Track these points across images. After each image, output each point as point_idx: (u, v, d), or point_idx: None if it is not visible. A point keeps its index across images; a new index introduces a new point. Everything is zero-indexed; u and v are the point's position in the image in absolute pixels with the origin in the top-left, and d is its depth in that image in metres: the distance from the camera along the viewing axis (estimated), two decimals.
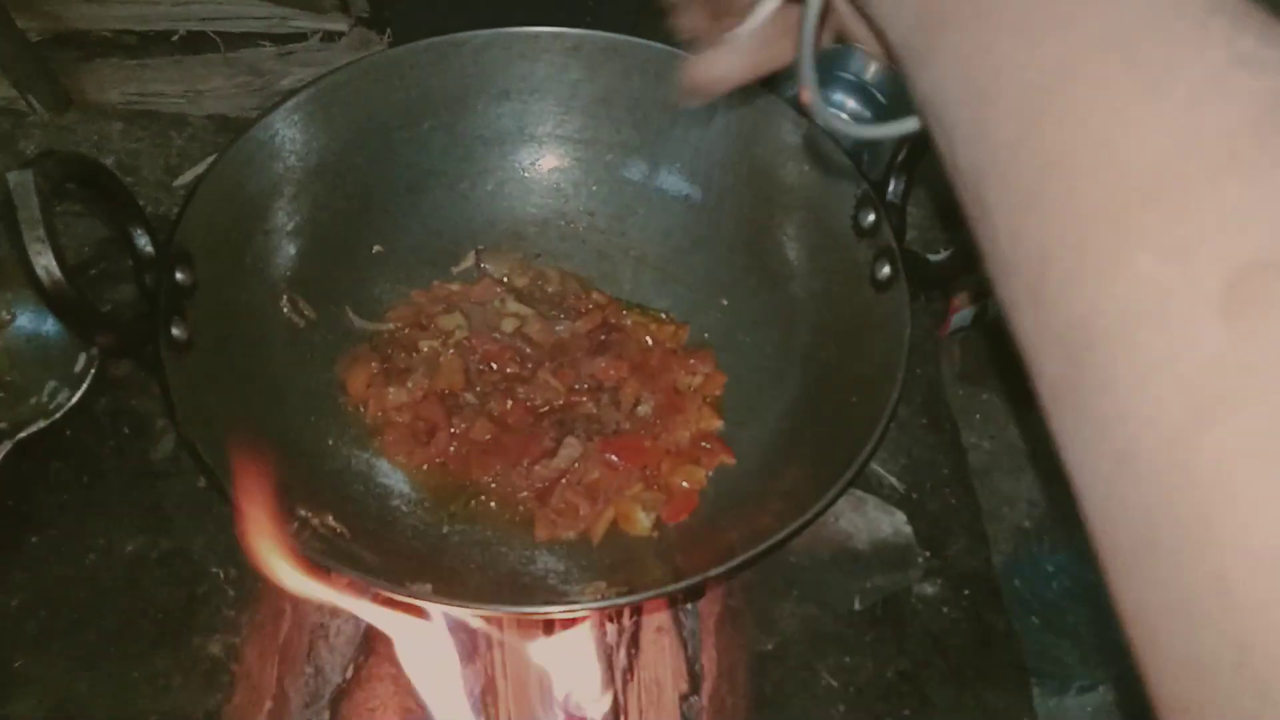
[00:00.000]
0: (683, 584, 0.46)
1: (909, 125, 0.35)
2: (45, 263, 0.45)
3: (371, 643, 0.63)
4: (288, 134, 0.62)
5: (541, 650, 0.61)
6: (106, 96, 0.96)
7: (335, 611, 0.67)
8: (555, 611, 0.49)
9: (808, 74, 0.35)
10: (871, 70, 0.96)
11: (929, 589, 0.55)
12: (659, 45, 0.66)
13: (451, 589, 0.49)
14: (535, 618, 0.57)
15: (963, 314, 0.94)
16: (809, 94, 0.36)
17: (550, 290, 0.69)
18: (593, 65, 0.68)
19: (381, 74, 0.65)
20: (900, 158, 0.61)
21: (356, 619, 0.66)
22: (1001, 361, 0.95)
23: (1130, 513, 0.21)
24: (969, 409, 0.91)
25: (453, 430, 0.61)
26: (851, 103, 0.98)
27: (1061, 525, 0.66)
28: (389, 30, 0.96)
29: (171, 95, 0.98)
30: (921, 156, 0.62)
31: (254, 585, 0.53)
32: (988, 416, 0.91)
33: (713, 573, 0.46)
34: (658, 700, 0.64)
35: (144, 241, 0.53)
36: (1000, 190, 0.25)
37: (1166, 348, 0.20)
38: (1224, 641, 0.19)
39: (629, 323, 0.68)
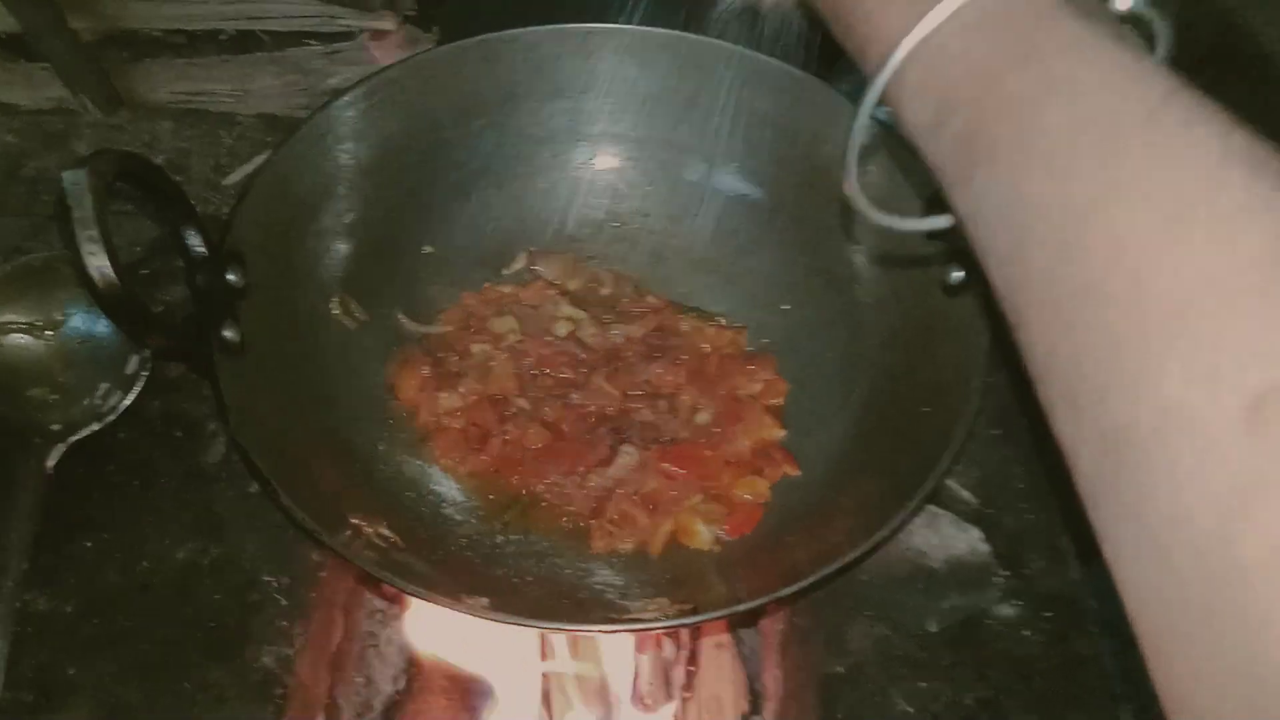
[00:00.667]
0: (749, 605, 0.44)
1: (943, 221, 0.36)
2: (99, 263, 0.44)
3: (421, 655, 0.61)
4: (338, 132, 0.61)
5: (601, 662, 0.59)
6: (156, 96, 0.96)
7: (384, 621, 0.65)
8: (618, 629, 0.47)
9: (851, 168, 0.39)
10: None
11: (1008, 610, 0.52)
12: (713, 41, 0.64)
13: (509, 603, 0.47)
14: (597, 634, 0.55)
15: None
16: (851, 187, 0.40)
17: (604, 293, 0.68)
18: (646, 62, 0.66)
19: (432, 71, 0.64)
20: None
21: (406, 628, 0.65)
22: None
23: (1166, 603, 0.24)
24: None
25: (505, 436, 0.60)
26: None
27: None
28: (436, 28, 0.95)
29: (220, 94, 0.97)
30: None
31: (307, 594, 0.52)
32: None
33: (782, 593, 0.44)
34: (717, 718, 0.62)
35: (196, 241, 0.52)
36: (1035, 309, 0.27)
37: (1195, 460, 0.22)
38: (1254, 715, 0.22)
39: (685, 327, 0.66)
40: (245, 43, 0.97)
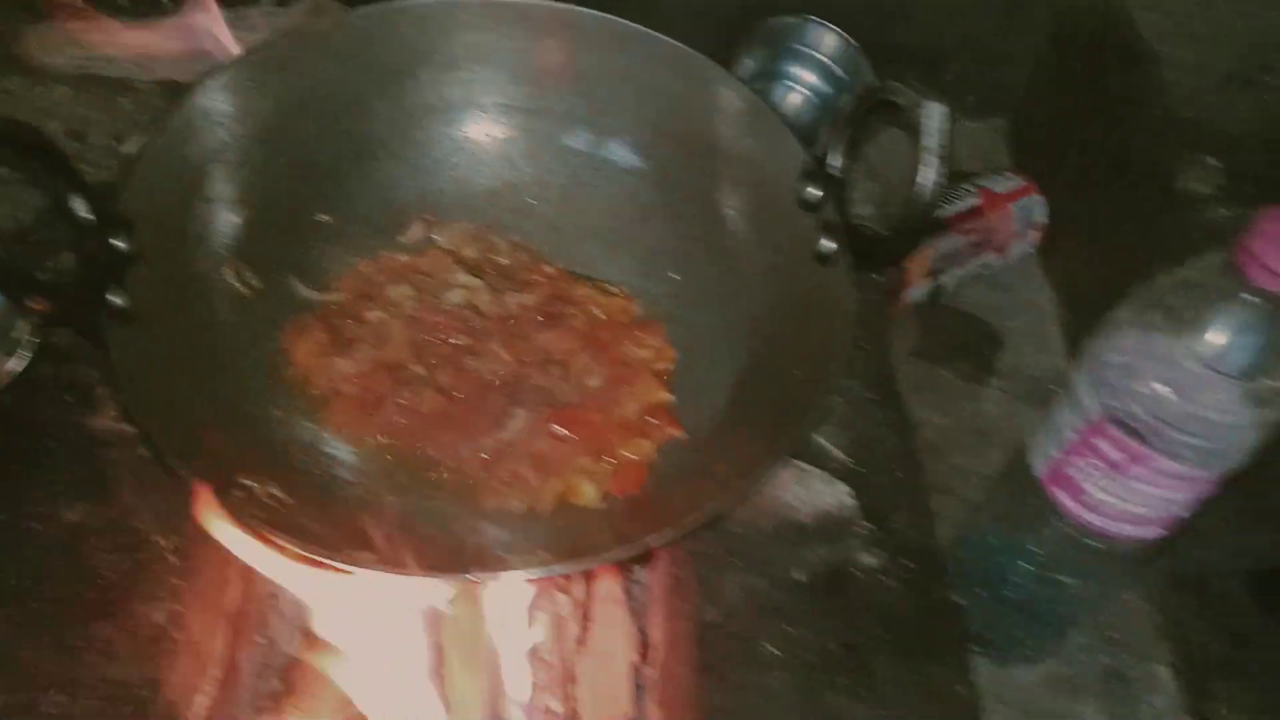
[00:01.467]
0: (618, 551, 0.47)
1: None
2: None
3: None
4: (229, 102, 0.61)
5: (489, 619, 0.61)
6: (53, 60, 0.94)
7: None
8: (489, 577, 0.49)
9: None
10: (827, 43, 0.97)
11: (871, 561, 0.56)
12: (605, 15, 0.66)
13: (393, 557, 0.49)
14: (470, 583, 0.57)
15: (917, 290, 0.95)
16: None
17: (501, 262, 0.69)
18: (541, 35, 0.67)
19: (323, 42, 0.65)
20: (843, 130, 0.61)
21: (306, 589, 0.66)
22: (956, 340, 0.96)
23: None
24: (924, 385, 0.92)
25: (400, 402, 0.61)
26: (809, 76, 0.98)
27: (1005, 499, 0.67)
28: None
29: (121, 60, 0.96)
30: (864, 128, 0.62)
31: (198, 553, 0.53)
32: (942, 392, 0.93)
33: (649, 540, 0.47)
34: (609, 670, 0.64)
35: (82, 208, 0.52)
36: None
37: None
38: None
39: (579, 295, 0.68)
40: (147, 6, 0.95)
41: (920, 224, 0.56)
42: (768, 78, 0.98)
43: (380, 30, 0.65)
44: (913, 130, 0.55)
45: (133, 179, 0.55)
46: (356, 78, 0.66)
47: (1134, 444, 0.57)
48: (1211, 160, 0.83)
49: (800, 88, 0.99)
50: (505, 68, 0.69)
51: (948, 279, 0.96)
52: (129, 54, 0.96)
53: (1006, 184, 1.00)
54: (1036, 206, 1.00)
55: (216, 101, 0.60)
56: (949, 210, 0.96)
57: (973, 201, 0.97)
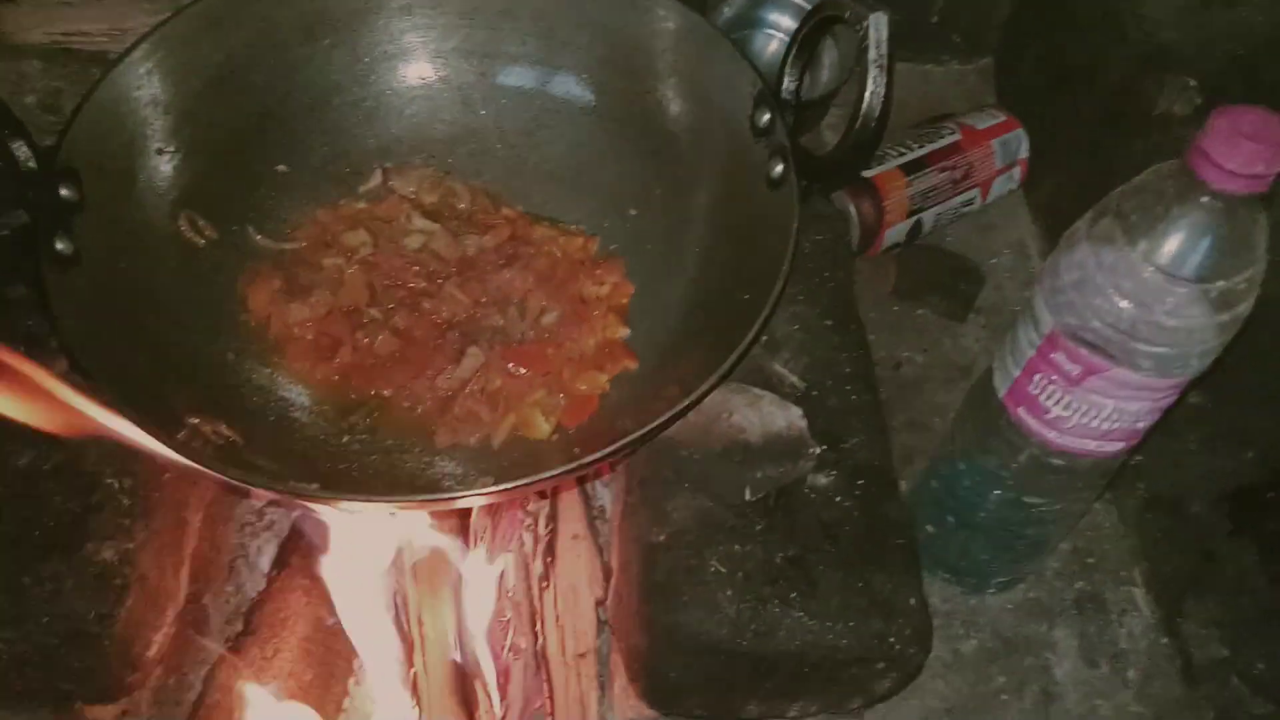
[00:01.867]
0: (561, 469, 0.47)
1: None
2: None
3: (286, 556, 0.64)
4: (180, 49, 0.62)
5: (453, 556, 0.62)
6: (29, 37, 0.95)
7: (254, 533, 0.68)
8: (434, 502, 0.49)
9: None
10: None
11: (822, 480, 0.55)
12: None
13: (341, 487, 0.50)
14: (413, 508, 0.57)
15: (896, 229, 0.94)
16: None
17: (460, 207, 0.69)
18: None
19: None
20: (794, 54, 0.61)
21: (277, 541, 0.67)
22: (936, 277, 0.95)
23: None
24: (904, 324, 0.91)
25: (356, 345, 0.62)
26: (787, 21, 0.97)
27: (971, 423, 0.66)
28: None
29: (94, 34, 0.97)
30: (813, 52, 0.62)
31: (150, 495, 0.54)
32: (922, 331, 0.92)
33: (588, 459, 0.47)
34: (574, 606, 0.65)
35: (25, 154, 0.53)
36: None
37: None
38: None
39: (538, 235, 0.68)
40: None
41: (868, 138, 0.55)
42: (747, 25, 0.97)
43: None
44: (861, 48, 0.55)
45: (76, 127, 0.55)
46: (309, 26, 0.67)
47: (1091, 356, 0.56)
48: (1190, 81, 0.81)
49: (779, 34, 0.98)
50: (458, 12, 0.69)
51: (927, 217, 0.94)
52: (103, 28, 0.97)
53: (988, 120, 0.98)
54: (1018, 141, 0.98)
55: (163, 50, 0.61)
56: (928, 147, 0.94)
57: (952, 138, 0.95)
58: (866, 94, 0.52)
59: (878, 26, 0.52)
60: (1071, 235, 0.59)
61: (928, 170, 0.93)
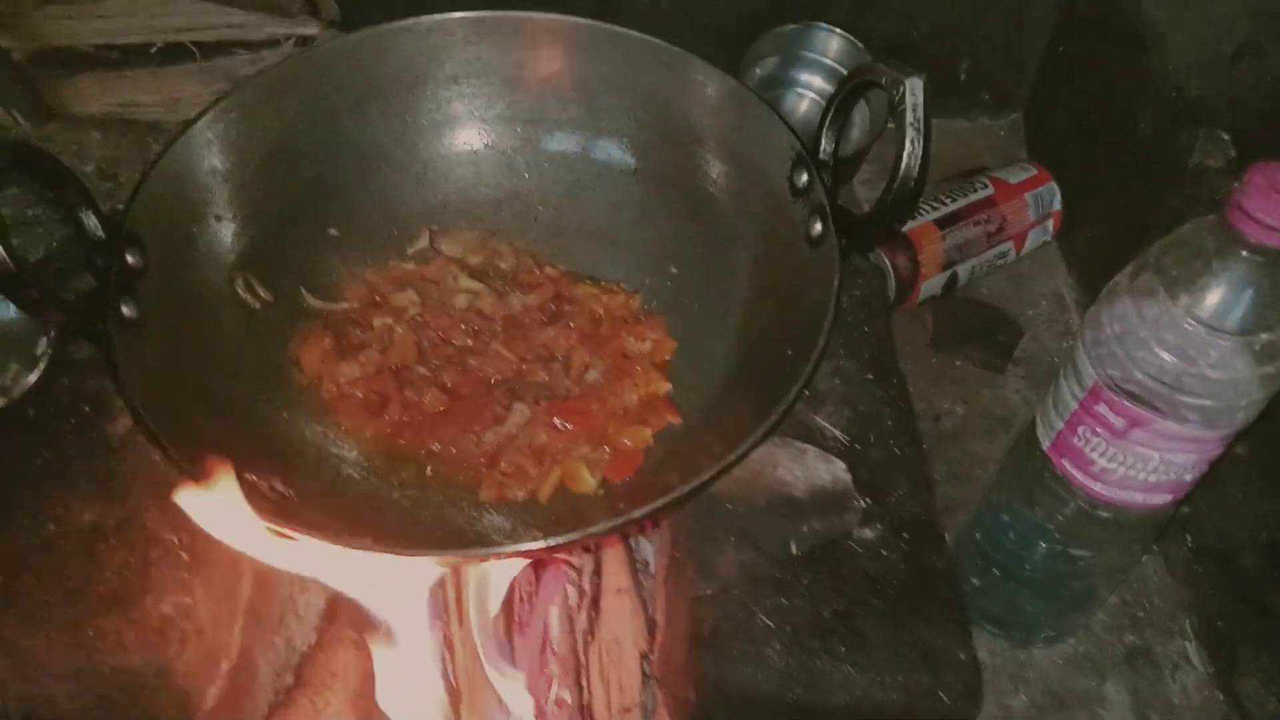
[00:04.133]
0: (611, 523, 0.48)
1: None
2: None
3: (336, 609, 0.64)
4: (238, 122, 0.64)
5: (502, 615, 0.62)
6: (87, 108, 1.00)
7: (304, 587, 0.69)
8: (480, 553, 0.50)
9: None
10: (834, 47, 0.98)
11: (868, 534, 0.56)
12: (592, 22, 0.68)
13: (390, 542, 0.51)
14: (460, 562, 0.58)
15: (932, 282, 0.95)
16: None
17: (504, 267, 0.71)
18: (534, 46, 0.70)
19: (328, 62, 0.68)
20: (830, 116, 0.62)
21: (325, 593, 0.68)
22: (973, 329, 0.96)
23: None
24: (942, 375, 0.91)
25: (405, 402, 0.63)
26: (818, 81, 0.99)
27: (1015, 475, 0.66)
28: None
29: (149, 105, 1.01)
30: (849, 114, 0.63)
31: (208, 549, 0.55)
32: (961, 382, 0.92)
33: (637, 513, 0.48)
34: (618, 660, 0.65)
35: (93, 224, 0.56)
36: None
37: None
38: None
39: (581, 294, 0.69)
40: (176, 54, 1.00)
41: (905, 198, 0.56)
42: (778, 85, 1.00)
43: (381, 50, 0.68)
44: (897, 111, 0.56)
45: (141, 196, 0.58)
46: (360, 96, 0.69)
47: (1135, 408, 0.57)
48: (1222, 135, 0.82)
49: (811, 93, 1.00)
50: (503, 79, 0.71)
51: (962, 270, 0.95)
52: (157, 99, 1.01)
53: (1020, 174, 0.99)
54: (1051, 194, 0.99)
55: (223, 122, 0.63)
56: (961, 201, 0.95)
57: (985, 193, 0.97)
58: (904, 156, 0.53)
59: (913, 91, 0.53)
60: (1112, 289, 0.59)
61: (962, 224, 0.94)
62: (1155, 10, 0.90)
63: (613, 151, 0.72)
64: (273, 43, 1.01)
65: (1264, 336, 0.54)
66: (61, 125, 0.95)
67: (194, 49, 1.01)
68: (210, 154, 0.63)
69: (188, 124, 0.62)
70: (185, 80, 1.01)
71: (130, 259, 0.57)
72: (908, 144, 0.53)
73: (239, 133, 0.64)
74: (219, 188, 0.64)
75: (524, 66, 0.71)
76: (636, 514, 0.48)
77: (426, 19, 0.69)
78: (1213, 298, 0.54)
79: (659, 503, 0.48)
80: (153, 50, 1.01)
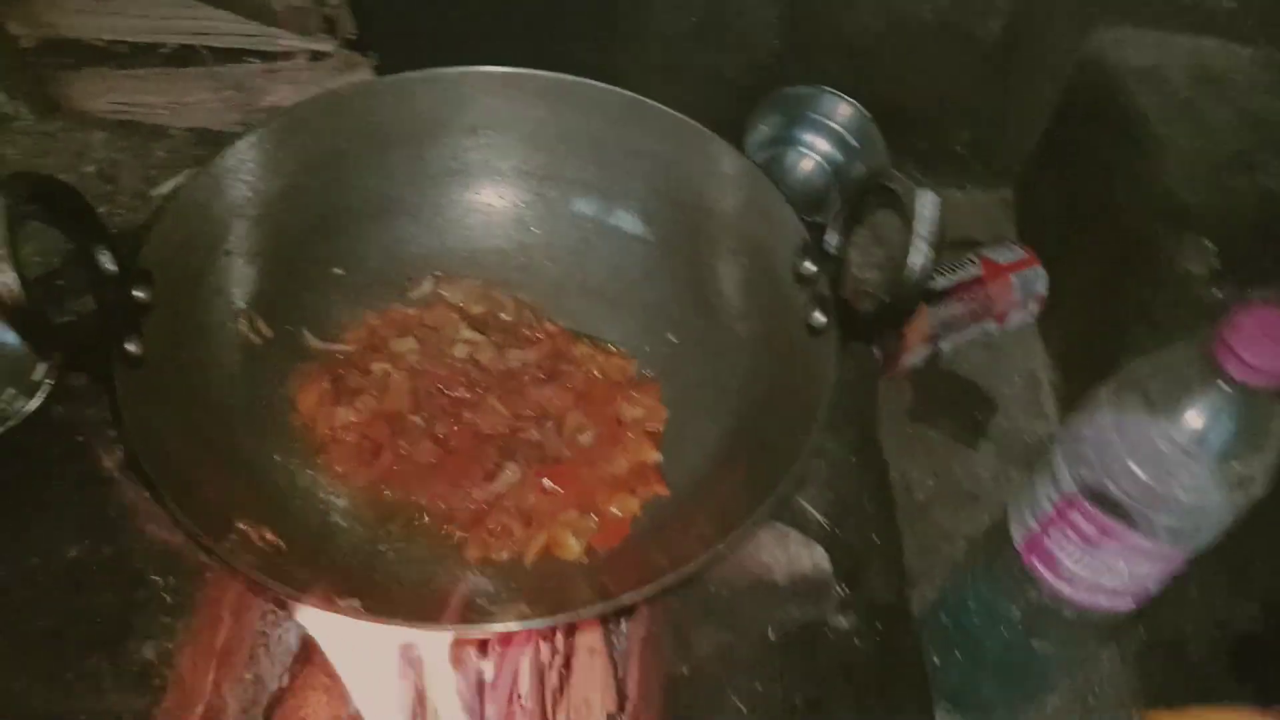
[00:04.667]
0: (597, 608, 0.49)
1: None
2: (6, 279, 0.47)
3: (309, 652, 0.65)
4: (255, 160, 0.64)
5: (473, 668, 0.63)
6: (93, 105, 0.99)
7: (276, 621, 0.69)
8: (472, 631, 0.51)
9: None
10: (841, 112, 1.00)
11: (843, 622, 0.57)
12: (619, 90, 0.69)
13: (379, 605, 0.51)
14: (449, 631, 0.59)
15: (917, 353, 0.97)
16: None
17: (505, 318, 0.72)
18: (557, 106, 0.70)
19: (352, 104, 0.68)
20: (841, 211, 0.64)
21: (297, 629, 0.68)
22: (949, 402, 0.98)
23: None
24: (915, 446, 0.93)
25: (398, 451, 0.64)
26: (823, 144, 1.01)
27: (985, 564, 0.68)
28: (373, 52, 0.99)
29: (156, 106, 1.00)
30: (862, 211, 0.65)
31: (192, 593, 0.55)
32: (933, 454, 0.94)
33: (625, 598, 0.49)
34: (586, 718, 0.66)
35: (106, 259, 0.56)
36: None
37: None
38: None
39: (579, 353, 0.70)
40: (185, 57, 0.99)
41: (908, 303, 0.58)
42: (782, 143, 1.01)
43: (405, 97, 0.69)
44: (907, 216, 0.58)
45: (155, 233, 0.58)
46: (378, 140, 0.69)
47: (1107, 519, 0.59)
48: (1207, 243, 0.85)
49: (813, 154, 1.02)
50: (522, 135, 0.72)
51: (946, 345, 0.97)
52: (164, 101, 1.00)
53: (1008, 255, 1.02)
54: (1038, 278, 1.02)
55: (244, 159, 0.64)
56: (950, 279, 0.98)
57: (974, 271, 0.99)
58: (912, 265, 0.55)
59: (926, 205, 0.54)
60: (1095, 401, 0.61)
61: (949, 301, 0.96)
62: (1153, 111, 0.92)
63: (623, 215, 0.73)
64: (286, 55, 1.01)
65: (1236, 465, 0.56)
66: (66, 122, 0.94)
67: (205, 53, 1.01)
68: (228, 190, 0.63)
69: (210, 160, 0.62)
70: (194, 84, 1.01)
71: (139, 294, 0.57)
72: (917, 255, 0.55)
73: (260, 168, 0.65)
74: (233, 224, 0.64)
75: (545, 125, 0.72)
76: (624, 599, 0.49)
77: (454, 70, 0.69)
78: (1191, 423, 0.56)
79: (647, 590, 0.49)
80: (163, 51, 1.01)
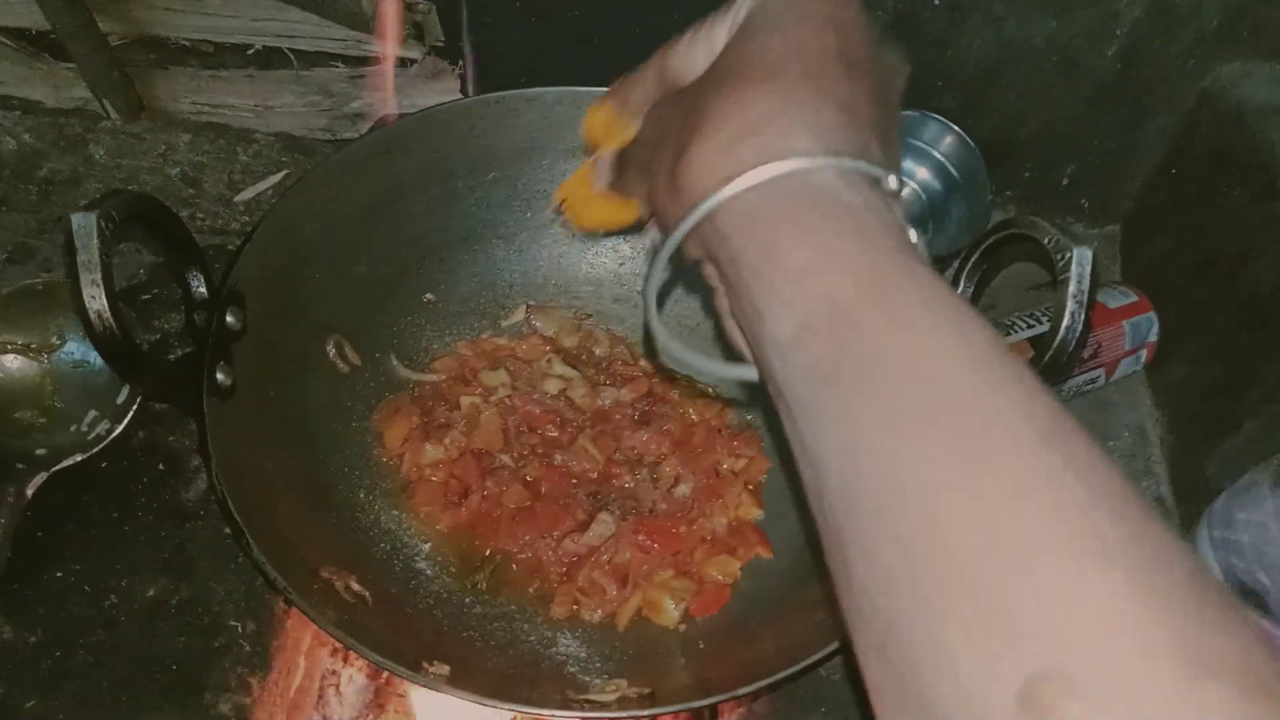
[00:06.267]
0: (708, 701, 0.45)
1: (750, 374, 0.33)
2: (98, 306, 0.45)
3: (383, 699, 0.62)
4: (350, 178, 0.61)
5: None
6: (178, 105, 0.97)
7: (347, 659, 0.66)
8: (573, 717, 0.47)
9: (651, 303, 0.35)
10: (946, 141, 0.95)
11: None
12: None
13: (469, 672, 0.48)
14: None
15: None
16: (653, 322, 0.35)
17: (598, 353, 0.68)
18: None
19: (450, 123, 0.65)
20: (970, 264, 0.59)
21: (367, 668, 0.65)
22: None
23: None
24: None
25: (485, 493, 0.60)
26: (922, 172, 0.96)
27: None
28: (461, 61, 0.96)
29: (241, 109, 0.98)
30: (996, 260, 0.60)
31: (270, 642, 0.52)
32: None
33: (740, 692, 0.45)
34: None
35: (198, 283, 0.53)
36: (856, 547, 0.27)
37: None
38: None
39: (675, 395, 0.66)
40: (271, 59, 0.97)
41: (1060, 366, 0.53)
42: None
43: (505, 116, 0.65)
44: (1044, 264, 0.53)
45: (246, 253, 0.55)
46: (476, 160, 0.66)
47: (1257, 614, 0.54)
48: None
49: (911, 182, 0.97)
50: None
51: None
52: (250, 104, 0.98)
53: (1120, 299, 0.96)
54: (1149, 324, 0.96)
55: (336, 177, 0.61)
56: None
57: None
58: (1062, 327, 0.50)
59: (1081, 262, 0.50)
60: (1247, 482, 0.56)
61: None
62: None
63: None
64: (373, 60, 0.99)
65: None
66: (151, 123, 0.93)
67: (292, 56, 0.99)
68: (320, 209, 0.60)
69: (300, 178, 0.60)
70: (279, 88, 0.99)
71: (230, 319, 0.54)
72: (1068, 315, 0.50)
73: (351, 188, 0.62)
74: (324, 244, 0.61)
75: None
76: (740, 691, 0.45)
77: (554, 90, 0.66)
78: None
79: (757, 685, 0.45)
80: (250, 52, 0.99)
